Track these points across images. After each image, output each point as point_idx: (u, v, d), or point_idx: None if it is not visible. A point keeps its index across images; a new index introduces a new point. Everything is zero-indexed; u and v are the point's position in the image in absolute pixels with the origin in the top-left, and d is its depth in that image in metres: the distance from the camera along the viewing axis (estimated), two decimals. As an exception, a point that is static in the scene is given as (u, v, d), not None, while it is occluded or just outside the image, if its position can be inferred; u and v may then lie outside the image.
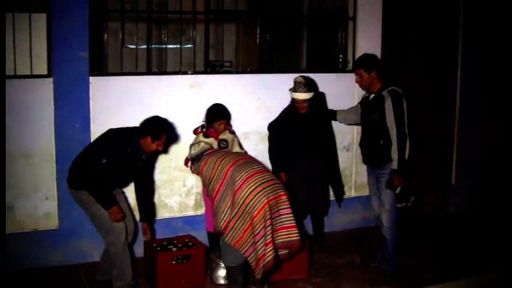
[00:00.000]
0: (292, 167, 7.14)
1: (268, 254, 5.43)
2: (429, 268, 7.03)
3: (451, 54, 8.96)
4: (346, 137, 8.08)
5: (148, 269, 6.46)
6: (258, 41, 7.65)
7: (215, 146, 6.76)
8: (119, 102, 6.74)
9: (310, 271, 6.74)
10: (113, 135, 5.99)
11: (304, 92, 6.89)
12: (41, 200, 6.70)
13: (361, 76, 6.51)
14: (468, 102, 9.10)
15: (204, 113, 6.88)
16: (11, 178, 6.46)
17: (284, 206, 5.60)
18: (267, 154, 7.26)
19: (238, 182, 5.52)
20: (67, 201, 6.42)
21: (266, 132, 7.31)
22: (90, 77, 6.62)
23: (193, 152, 6.56)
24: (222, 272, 6.45)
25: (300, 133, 7.07)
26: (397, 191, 6.32)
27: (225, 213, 5.65)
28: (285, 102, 7.22)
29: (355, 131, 8.07)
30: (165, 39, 7.34)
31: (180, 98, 7.12)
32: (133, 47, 7.19)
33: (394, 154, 6.25)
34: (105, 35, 7.06)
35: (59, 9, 6.47)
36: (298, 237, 5.65)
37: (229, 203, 5.62)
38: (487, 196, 9.27)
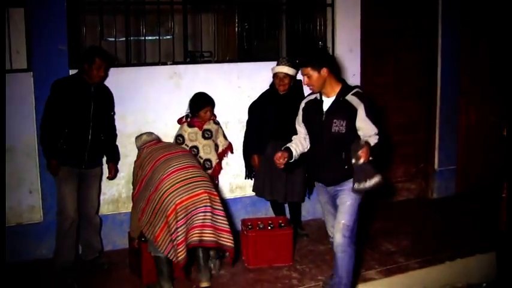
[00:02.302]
0: (269, 150, 7.04)
1: (179, 254, 5.44)
2: (413, 253, 7.08)
3: (431, 38, 9.05)
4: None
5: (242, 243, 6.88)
6: (236, 30, 7.77)
7: (199, 136, 6.90)
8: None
9: (295, 258, 6.86)
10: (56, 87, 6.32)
11: (286, 65, 7.00)
12: (24, 194, 6.79)
13: (309, 76, 5.29)
14: (449, 87, 9.20)
15: (185, 103, 7.02)
16: None
17: (202, 205, 5.54)
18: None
19: (155, 183, 5.63)
20: (50, 195, 6.62)
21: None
22: (70, 70, 6.67)
23: (137, 144, 6.46)
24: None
25: (277, 115, 7.06)
26: (360, 162, 4.98)
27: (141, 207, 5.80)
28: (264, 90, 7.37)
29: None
30: (144, 30, 7.45)
31: (160, 89, 7.20)
32: (112, 39, 7.28)
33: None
34: (84, 28, 7.12)
35: (36, 3, 6.54)
36: (225, 241, 5.72)
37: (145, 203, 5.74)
38: (469, 180, 9.41)
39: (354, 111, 5.21)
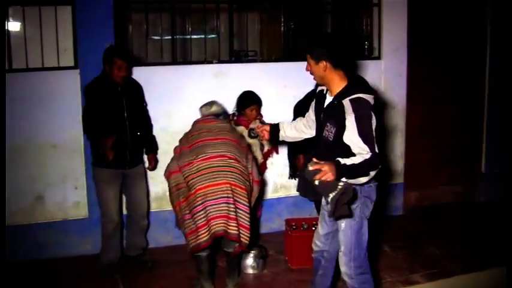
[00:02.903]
0: (310, 151, 6.95)
1: (200, 237, 5.33)
2: (458, 257, 6.95)
3: (480, 38, 8.87)
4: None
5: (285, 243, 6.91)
6: (282, 30, 7.75)
7: (245, 134, 6.80)
8: (145, 92, 6.76)
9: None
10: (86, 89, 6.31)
11: None
12: (70, 190, 6.87)
13: (309, 64, 4.74)
14: (497, 88, 9.03)
15: (230, 101, 6.97)
16: (40, 169, 6.71)
17: (224, 195, 5.35)
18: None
19: (186, 162, 5.53)
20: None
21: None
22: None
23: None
24: (250, 261, 6.54)
25: (321, 116, 6.95)
26: (316, 182, 4.23)
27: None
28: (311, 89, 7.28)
29: (383, 118, 8.11)
30: (189, 29, 7.46)
31: (205, 88, 7.16)
32: (158, 38, 7.32)
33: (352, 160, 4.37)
34: (130, 26, 7.20)
35: (83, 1, 6.60)
36: (243, 238, 5.44)
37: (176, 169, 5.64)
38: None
39: (344, 121, 4.39)
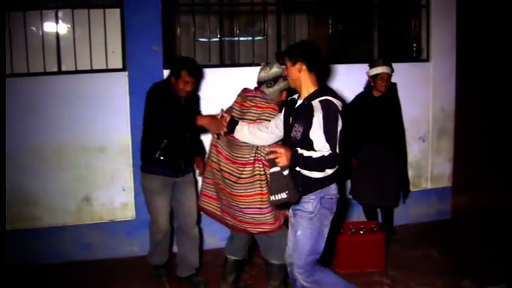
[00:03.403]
0: (362, 153, 7.04)
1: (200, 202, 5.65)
2: (507, 264, 6.62)
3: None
4: (421, 127, 7.94)
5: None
6: (329, 32, 7.61)
7: None
8: (192, 94, 6.71)
9: (387, 264, 6.60)
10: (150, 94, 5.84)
11: (386, 65, 6.88)
12: (117, 191, 6.84)
13: (286, 67, 4.83)
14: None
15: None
16: (87, 170, 6.70)
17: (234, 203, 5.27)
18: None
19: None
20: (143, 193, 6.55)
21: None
22: (164, 70, 6.65)
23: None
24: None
25: (373, 118, 6.93)
26: (275, 169, 4.35)
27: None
28: (358, 92, 7.20)
29: (431, 120, 7.98)
30: (237, 31, 7.37)
31: None
32: (205, 40, 7.24)
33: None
34: (178, 29, 7.13)
35: (132, 4, 6.56)
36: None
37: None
38: None
39: (311, 119, 4.46)
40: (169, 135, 5.76)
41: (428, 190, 8.17)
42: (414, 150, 7.85)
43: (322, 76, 4.78)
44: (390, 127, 7.03)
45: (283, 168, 4.32)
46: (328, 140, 4.36)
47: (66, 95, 6.53)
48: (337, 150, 4.40)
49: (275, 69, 5.30)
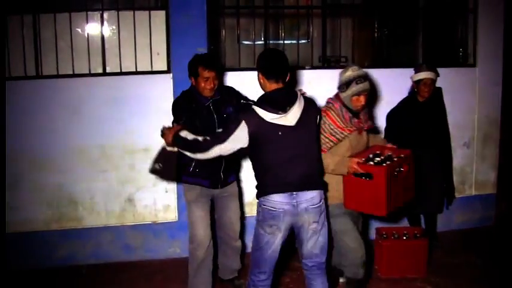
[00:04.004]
0: None
1: None
2: None
3: None
4: (466, 132, 7.70)
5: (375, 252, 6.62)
6: (375, 35, 7.45)
7: None
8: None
9: (429, 270, 6.42)
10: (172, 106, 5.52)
11: (430, 70, 6.67)
12: (160, 193, 6.77)
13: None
14: None
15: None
16: (131, 171, 6.66)
17: None
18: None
19: None
20: (186, 195, 6.44)
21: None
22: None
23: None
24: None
25: (418, 124, 6.76)
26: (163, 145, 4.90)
27: None
28: (402, 97, 6.98)
29: (476, 126, 7.74)
30: (282, 34, 7.24)
31: None
32: (249, 43, 7.12)
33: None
34: (223, 31, 7.04)
35: (177, 6, 6.49)
36: None
37: None
38: None
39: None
40: None
41: (472, 197, 7.92)
42: (458, 156, 7.62)
43: (287, 84, 4.63)
44: (435, 132, 6.85)
45: (167, 145, 4.86)
46: (226, 130, 4.47)
47: (110, 97, 6.51)
48: (220, 144, 4.42)
49: (348, 73, 5.09)
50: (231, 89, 5.76)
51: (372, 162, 5.00)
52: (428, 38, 8.29)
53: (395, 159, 5.12)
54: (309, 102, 4.58)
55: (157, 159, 5.07)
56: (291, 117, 4.37)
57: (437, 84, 6.91)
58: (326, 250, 4.71)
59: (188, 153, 4.63)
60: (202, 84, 5.22)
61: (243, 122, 4.36)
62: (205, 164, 5.17)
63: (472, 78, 7.62)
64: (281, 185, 4.43)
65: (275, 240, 4.53)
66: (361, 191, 4.99)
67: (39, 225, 6.53)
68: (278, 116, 4.33)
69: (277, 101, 4.40)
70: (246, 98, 5.69)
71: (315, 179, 4.56)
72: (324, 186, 4.67)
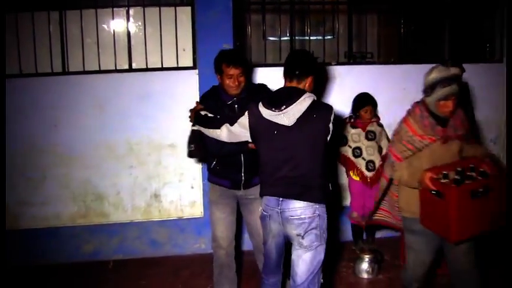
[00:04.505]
0: None
1: None
2: None
3: None
4: (493, 129, 7.54)
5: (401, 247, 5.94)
6: (401, 31, 7.32)
7: (362, 137, 6.56)
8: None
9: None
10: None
11: (453, 66, 6.51)
12: (186, 189, 6.73)
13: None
14: None
15: (348, 103, 6.69)
16: (157, 168, 6.64)
17: None
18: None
19: None
20: (211, 191, 6.37)
21: (411, 124, 6.94)
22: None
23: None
24: (365, 266, 6.20)
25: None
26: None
27: None
28: (429, 93, 6.84)
29: (503, 123, 7.58)
30: (308, 30, 7.12)
31: (323, 89, 6.91)
32: (276, 39, 7.03)
33: None
34: (249, 27, 6.96)
35: (203, 2, 6.43)
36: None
37: None
38: None
39: None
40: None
41: (499, 193, 7.69)
42: (485, 153, 7.43)
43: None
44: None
45: (192, 124, 4.89)
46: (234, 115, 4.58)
47: (136, 93, 6.49)
48: (227, 127, 4.45)
49: (433, 75, 4.55)
50: (263, 87, 5.33)
51: (446, 180, 4.25)
52: (454, 34, 8.14)
53: (479, 177, 4.32)
54: (319, 107, 4.19)
55: (189, 142, 4.91)
56: (288, 117, 4.09)
57: (464, 80, 6.78)
58: (307, 278, 4.25)
59: (203, 130, 4.65)
60: (227, 82, 4.87)
61: (247, 112, 4.29)
62: (226, 163, 5.01)
63: (499, 74, 7.49)
64: (271, 187, 4.23)
65: (267, 242, 4.40)
66: (434, 209, 4.37)
67: (65, 220, 6.52)
68: (274, 113, 4.11)
69: (276, 98, 4.21)
70: None
71: (307, 189, 4.16)
72: (321, 201, 4.22)
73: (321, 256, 4.28)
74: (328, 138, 4.17)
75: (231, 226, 5.23)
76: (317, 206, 4.16)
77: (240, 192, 5.13)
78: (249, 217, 5.23)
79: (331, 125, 4.15)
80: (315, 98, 4.19)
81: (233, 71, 4.83)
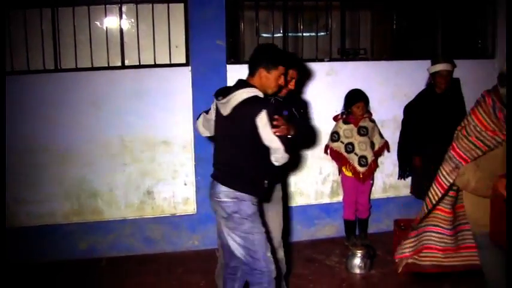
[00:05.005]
0: (427, 151, 6.68)
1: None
2: None
3: None
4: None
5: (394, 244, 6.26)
6: (394, 28, 7.32)
7: (355, 132, 6.58)
8: (255, 89, 6.50)
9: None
10: None
11: (445, 62, 6.58)
12: (179, 186, 6.71)
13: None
14: None
15: (341, 99, 6.69)
16: (150, 164, 6.63)
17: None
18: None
19: None
20: (204, 188, 6.20)
21: (403, 120, 7.05)
22: (227, 65, 6.51)
23: None
24: (357, 261, 6.17)
25: (435, 116, 6.63)
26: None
27: None
28: (421, 89, 6.91)
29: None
30: (301, 27, 7.11)
31: (316, 85, 6.89)
32: (269, 35, 7.02)
33: None
34: (242, 24, 6.95)
35: None
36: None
37: None
38: None
39: None
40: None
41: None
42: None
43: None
44: (454, 124, 6.64)
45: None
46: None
47: (130, 90, 6.45)
48: (204, 116, 4.70)
49: None
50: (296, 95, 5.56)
51: None
52: (447, 30, 8.14)
53: None
54: (254, 102, 4.21)
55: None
56: (225, 108, 4.30)
57: (456, 76, 6.85)
58: (236, 256, 4.39)
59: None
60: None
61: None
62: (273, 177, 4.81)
63: (490, 69, 7.43)
64: (213, 170, 4.50)
65: (217, 222, 4.57)
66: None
67: (59, 218, 6.49)
68: (218, 102, 4.38)
69: (225, 88, 4.51)
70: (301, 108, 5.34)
71: (230, 177, 4.33)
72: (244, 191, 4.29)
73: (250, 238, 4.30)
74: (261, 134, 4.15)
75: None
76: (238, 194, 4.27)
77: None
78: (266, 217, 4.99)
79: (258, 121, 4.12)
80: (258, 94, 4.26)
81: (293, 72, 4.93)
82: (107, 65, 6.41)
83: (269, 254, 4.35)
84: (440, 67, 6.59)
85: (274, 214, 5.07)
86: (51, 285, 6.01)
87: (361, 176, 6.59)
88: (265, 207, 4.95)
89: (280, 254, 5.09)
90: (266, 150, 4.21)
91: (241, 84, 4.32)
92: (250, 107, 4.18)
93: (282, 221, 5.15)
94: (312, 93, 6.81)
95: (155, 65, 6.48)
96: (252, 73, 4.38)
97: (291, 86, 4.92)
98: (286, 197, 6.25)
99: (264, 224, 4.64)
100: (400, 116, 6.94)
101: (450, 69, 6.60)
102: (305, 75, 6.60)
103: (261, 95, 4.24)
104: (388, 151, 6.99)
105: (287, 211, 6.60)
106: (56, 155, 6.37)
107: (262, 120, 4.10)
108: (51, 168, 6.38)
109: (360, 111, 6.58)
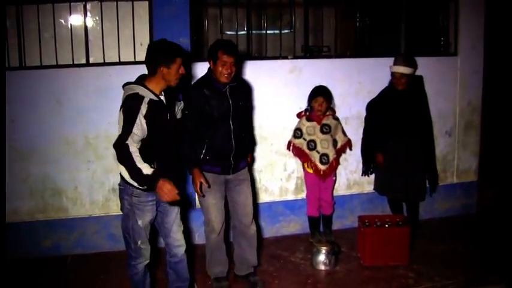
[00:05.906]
0: (389, 147, 6.80)
1: None
2: None
3: None
4: (448, 121, 7.68)
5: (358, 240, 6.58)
6: (357, 25, 7.38)
7: (317, 130, 6.61)
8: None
9: (411, 258, 6.37)
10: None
11: (401, 65, 6.62)
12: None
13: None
14: None
15: (304, 97, 6.72)
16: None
17: None
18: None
19: None
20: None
21: (366, 116, 7.08)
22: (192, 63, 6.50)
23: None
24: (322, 257, 6.23)
25: (398, 112, 6.71)
26: None
27: None
28: (384, 87, 6.97)
29: (458, 115, 7.73)
30: (265, 24, 7.16)
31: (280, 83, 6.94)
32: (233, 33, 7.05)
33: None
34: (206, 21, 6.96)
35: None
36: None
37: None
38: None
39: None
40: (211, 134, 5.36)
41: (454, 184, 7.91)
42: (440, 145, 7.64)
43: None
44: (416, 120, 6.79)
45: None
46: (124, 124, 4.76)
47: (94, 87, 6.44)
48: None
49: None
50: (248, 85, 5.94)
51: None
52: (410, 27, 8.25)
53: None
54: (125, 100, 4.71)
55: None
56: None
57: (420, 73, 6.93)
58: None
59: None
60: (220, 69, 5.17)
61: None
62: (215, 150, 5.32)
63: (453, 66, 7.62)
64: None
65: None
66: None
67: (23, 215, 6.47)
68: None
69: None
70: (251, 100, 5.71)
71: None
72: (124, 182, 4.73)
73: (127, 223, 4.77)
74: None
75: (223, 211, 5.54)
76: (124, 184, 4.70)
77: (229, 176, 5.47)
78: (238, 198, 5.58)
79: (121, 116, 4.63)
80: (134, 92, 4.64)
81: (228, 59, 5.12)
82: (71, 63, 6.39)
83: None
84: (395, 69, 6.66)
85: (248, 192, 5.71)
86: (16, 283, 5.96)
87: (321, 173, 6.64)
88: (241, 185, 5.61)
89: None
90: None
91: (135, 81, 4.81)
92: (122, 103, 4.69)
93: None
94: (276, 90, 6.87)
95: (120, 63, 6.47)
96: (153, 72, 4.67)
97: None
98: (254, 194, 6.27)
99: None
100: (363, 113, 7.03)
101: (406, 72, 6.62)
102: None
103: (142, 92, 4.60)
104: (351, 149, 7.04)
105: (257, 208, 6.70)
106: (20, 153, 6.34)
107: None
108: (15, 166, 6.33)
109: (320, 107, 6.58)
